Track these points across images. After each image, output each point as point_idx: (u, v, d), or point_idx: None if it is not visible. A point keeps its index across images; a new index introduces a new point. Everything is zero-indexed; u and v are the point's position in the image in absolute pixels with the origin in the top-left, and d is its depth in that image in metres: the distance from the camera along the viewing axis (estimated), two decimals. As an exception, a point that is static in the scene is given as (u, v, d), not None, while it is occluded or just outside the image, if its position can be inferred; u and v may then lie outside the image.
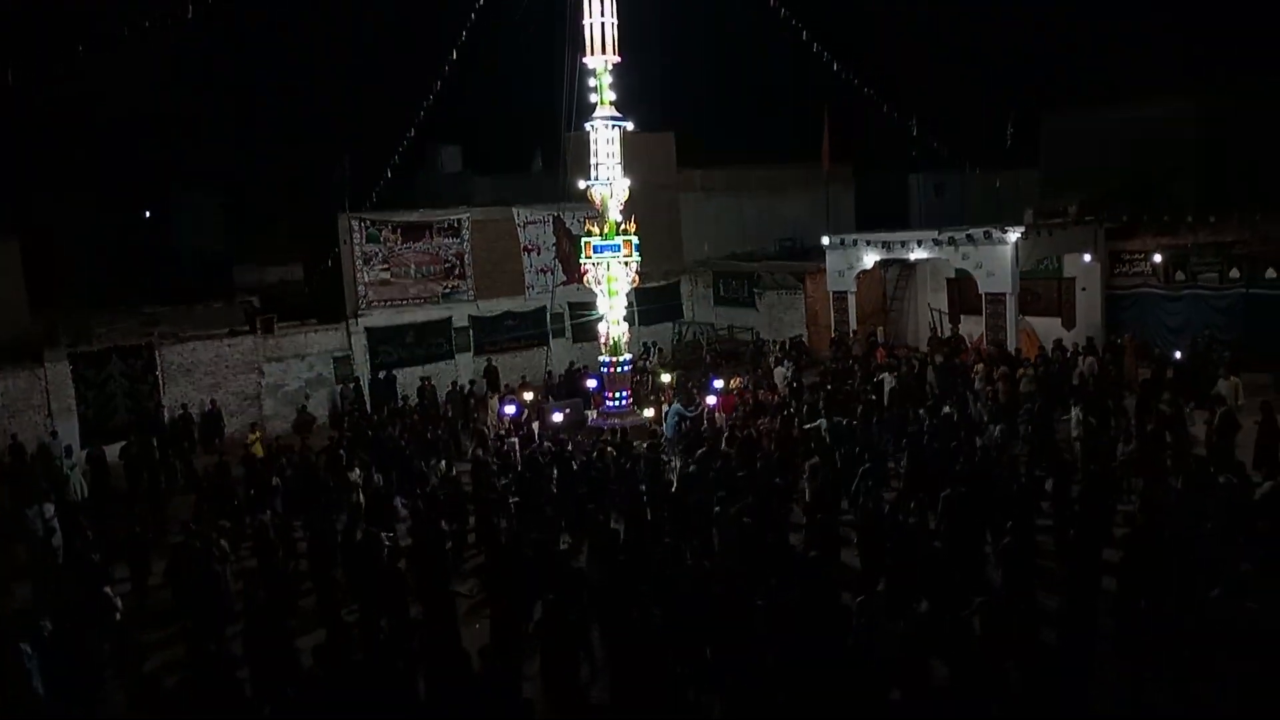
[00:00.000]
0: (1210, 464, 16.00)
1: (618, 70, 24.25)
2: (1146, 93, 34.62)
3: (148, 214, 43.49)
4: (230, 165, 45.46)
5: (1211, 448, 17.76)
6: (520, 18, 26.34)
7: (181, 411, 27.03)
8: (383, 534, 15.89)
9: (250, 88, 43.86)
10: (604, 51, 23.76)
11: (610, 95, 24.21)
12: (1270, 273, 26.07)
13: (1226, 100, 32.70)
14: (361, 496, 18.78)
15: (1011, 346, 28.15)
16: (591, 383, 27.11)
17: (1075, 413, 19.53)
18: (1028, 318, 29.88)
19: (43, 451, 23.85)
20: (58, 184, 37.90)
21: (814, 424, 21.22)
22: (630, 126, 24.97)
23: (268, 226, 41.60)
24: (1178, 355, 25.23)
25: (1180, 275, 28.13)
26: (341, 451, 21.56)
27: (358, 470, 19.65)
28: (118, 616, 13.41)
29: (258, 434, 24.75)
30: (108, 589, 13.75)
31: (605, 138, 24.38)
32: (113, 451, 23.86)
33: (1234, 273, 26.84)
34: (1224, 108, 32.63)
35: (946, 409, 21.41)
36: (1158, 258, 28.54)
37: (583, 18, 23.61)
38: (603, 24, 23.57)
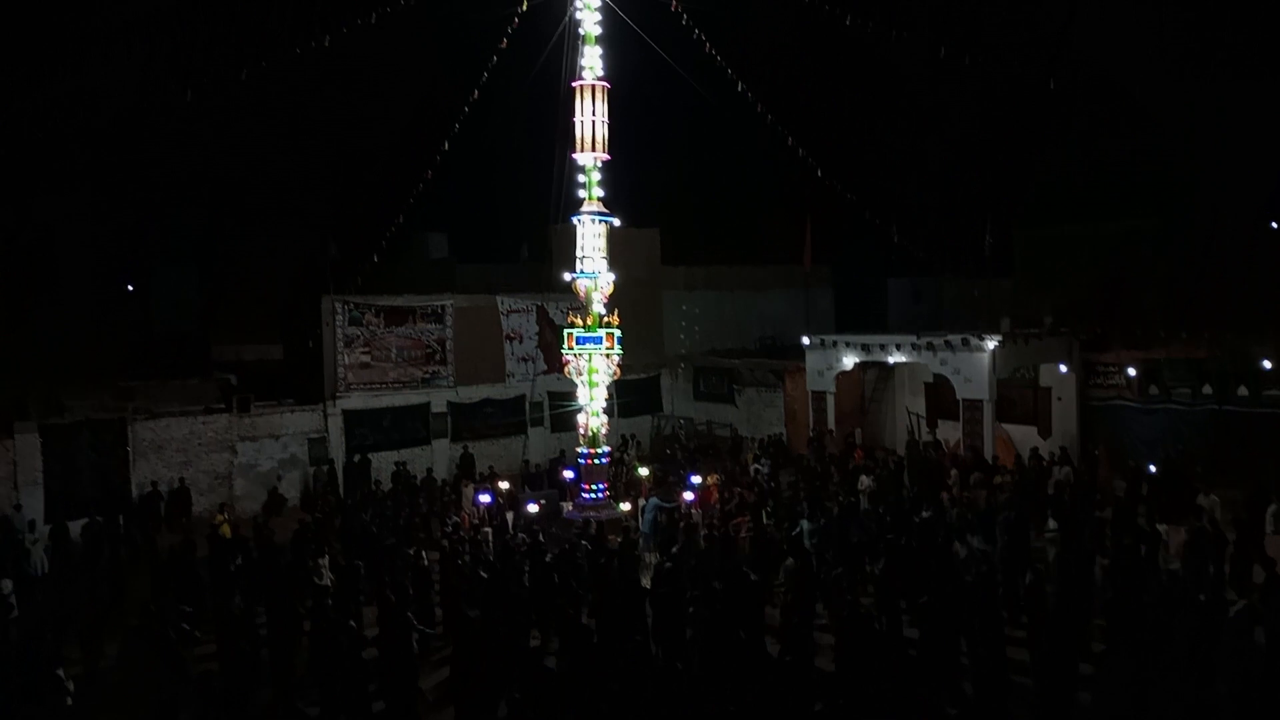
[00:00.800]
0: (1186, 581, 15.98)
1: (607, 167, 24.70)
2: (1116, 208, 35.60)
3: (130, 288, 43.36)
4: (213, 241, 45.64)
5: (1187, 564, 17.75)
6: (513, 111, 27.03)
7: (150, 489, 26.59)
8: (348, 622, 15.53)
9: (238, 165, 44.22)
10: (594, 149, 24.24)
11: (598, 191, 24.62)
12: (1242, 390, 26.43)
13: (1193, 217, 33.62)
14: (329, 582, 18.41)
15: (989, 453, 28.28)
16: (568, 474, 26.93)
17: (1051, 523, 19.54)
18: (1005, 425, 30.09)
19: (4, 524, 23.32)
20: (38, 255, 37.75)
21: (794, 529, 21.03)
22: (617, 222, 25.36)
23: (248, 305, 41.60)
24: (1152, 468, 25.38)
25: (1154, 389, 28.48)
26: (310, 536, 21.21)
27: (326, 555, 19.30)
28: (69, 701, 12.96)
29: (226, 515, 24.34)
30: (59, 671, 13.32)
31: (592, 232, 24.72)
32: (76, 527, 23.36)
33: (1206, 389, 27.20)
34: (1190, 224, 33.54)
35: (924, 513, 21.37)
36: (1131, 371, 28.94)
37: (574, 115, 24.12)
38: (594, 122, 24.08)
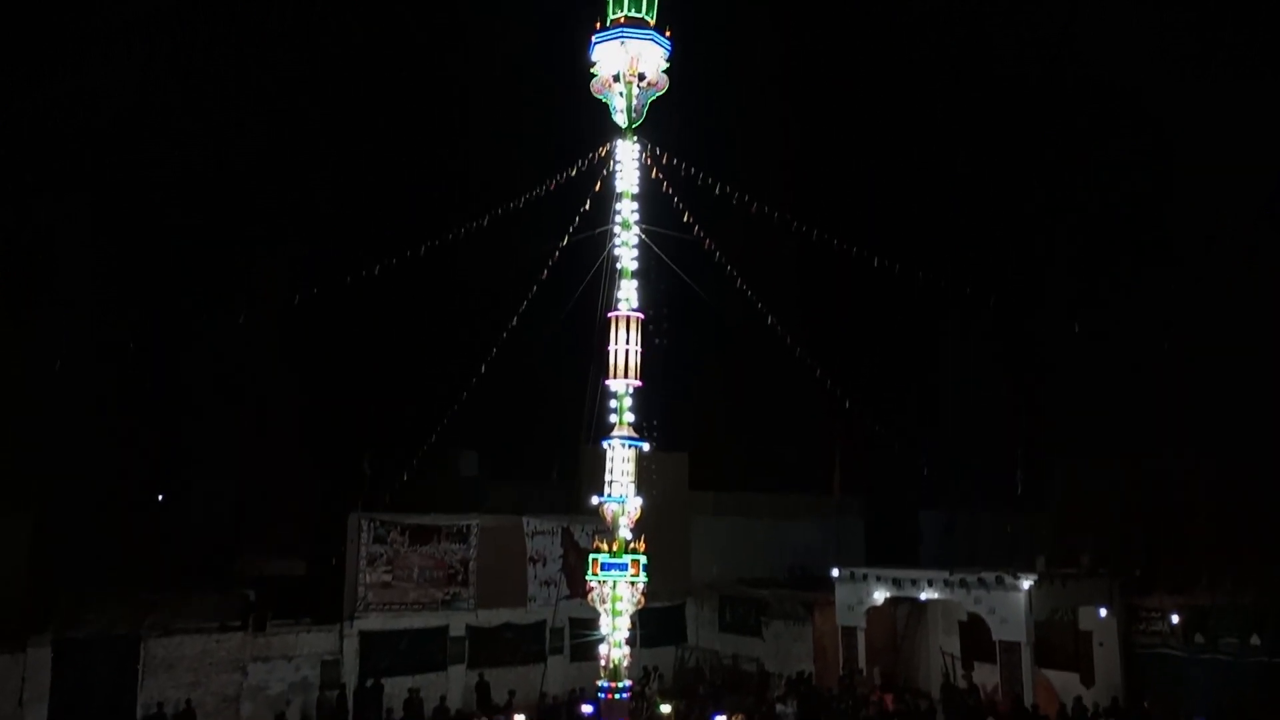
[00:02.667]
0: None
1: (638, 393, 25.09)
2: (1161, 444, 35.21)
3: (160, 498, 43.60)
4: (246, 453, 46.00)
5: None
6: (550, 335, 27.76)
7: (155, 710, 25.74)
8: None
9: (274, 385, 45.17)
10: (626, 375, 24.70)
11: (629, 417, 24.89)
12: (1294, 641, 25.27)
13: (1243, 455, 33.11)
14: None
15: (1029, 700, 26.90)
16: (587, 708, 25.81)
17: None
18: (1045, 670, 28.75)
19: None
20: (72, 465, 38.02)
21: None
22: (646, 447, 25.46)
23: (276, 518, 41.52)
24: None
25: (1200, 638, 27.29)
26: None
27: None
28: None
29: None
30: None
31: (621, 456, 24.80)
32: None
33: (1255, 639, 26.03)
34: (1241, 463, 32.99)
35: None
36: (1175, 617, 27.85)
37: (609, 344, 24.76)
38: (627, 351, 24.67)
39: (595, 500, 25.21)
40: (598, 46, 24.85)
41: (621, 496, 24.61)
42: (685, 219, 25.69)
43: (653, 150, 25.31)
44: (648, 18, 24.74)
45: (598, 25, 24.83)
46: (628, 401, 24.84)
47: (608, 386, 24.89)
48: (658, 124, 25.57)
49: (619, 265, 25.10)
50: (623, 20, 24.61)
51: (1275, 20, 31.74)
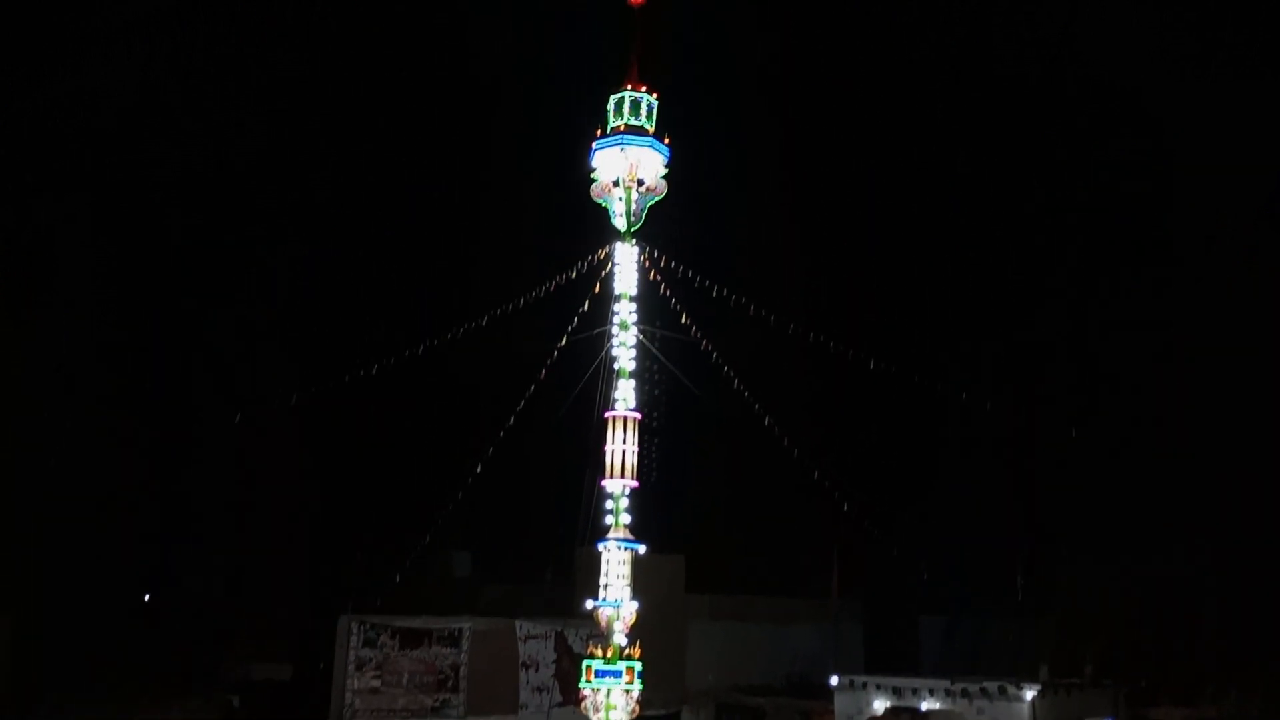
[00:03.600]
0: None
1: (634, 493, 24.89)
2: (1164, 550, 34.78)
3: (146, 597, 42.81)
4: (235, 552, 45.25)
5: None
6: (546, 435, 27.69)
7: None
8: None
9: (268, 479, 44.61)
10: (623, 476, 24.54)
11: (625, 518, 24.64)
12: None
13: (1248, 564, 32.69)
14: None
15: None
16: (579, 822, 24.92)
17: None
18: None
19: None
20: (58, 562, 37.18)
21: None
22: (642, 550, 25.14)
23: (264, 620, 40.63)
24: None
25: (1209, 750, 26.60)
26: None
27: None
28: None
29: None
30: None
31: (617, 559, 24.46)
32: None
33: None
34: (1246, 571, 32.56)
35: None
36: (1183, 729, 27.19)
37: (605, 444, 24.67)
38: (624, 451, 24.55)
39: (590, 604, 24.78)
40: (598, 153, 25.38)
41: (617, 601, 24.18)
42: (683, 320, 25.89)
43: (651, 253, 25.69)
44: (647, 125, 25.34)
45: (598, 132, 25.44)
46: (624, 502, 24.60)
47: (604, 487, 24.74)
48: (656, 227, 26.07)
49: (616, 366, 25.16)
50: (623, 128, 25.19)
51: (1275, 20, 32.51)
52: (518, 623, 33.65)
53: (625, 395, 24.92)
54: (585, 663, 24.72)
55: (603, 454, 24.72)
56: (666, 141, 25.48)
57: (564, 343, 25.78)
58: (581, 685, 24.44)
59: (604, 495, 24.76)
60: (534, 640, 33.72)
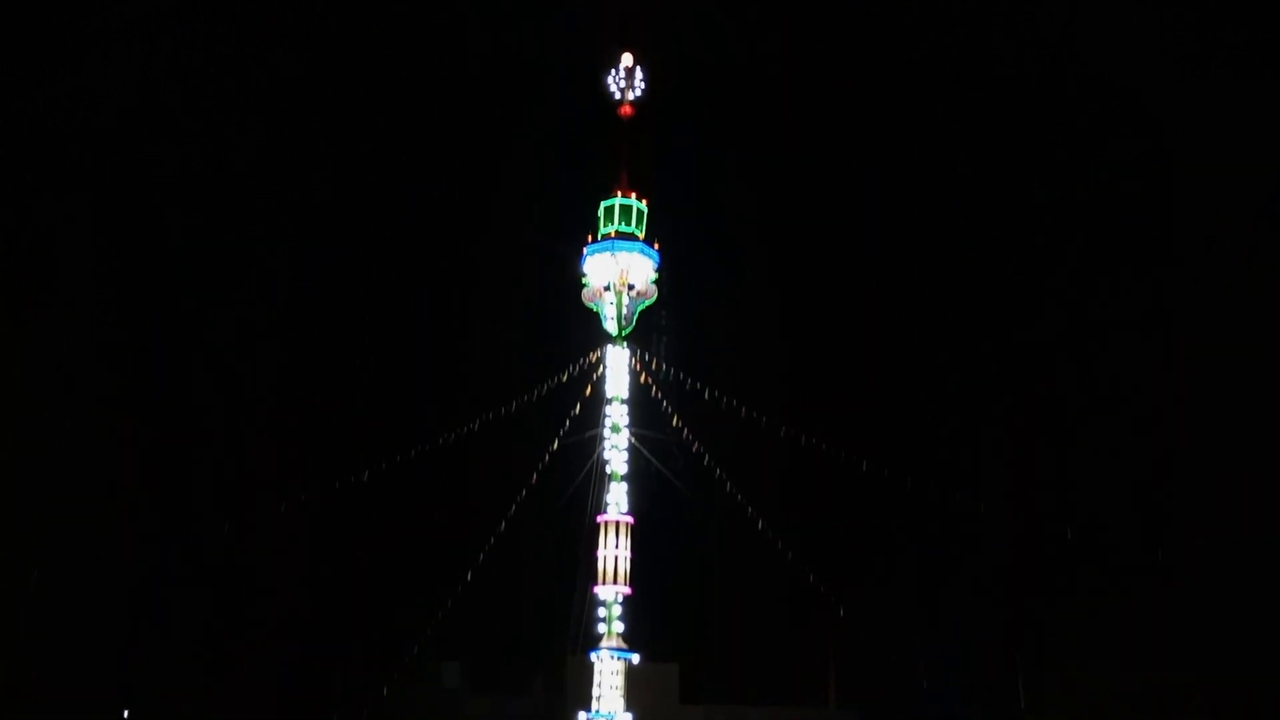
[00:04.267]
0: None
1: (627, 600, 24.53)
2: (1159, 658, 34.14)
3: (125, 714, 41.27)
4: (215, 661, 43.87)
5: None
6: (537, 541, 27.35)
7: None
8: None
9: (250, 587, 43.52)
10: (615, 582, 24.25)
11: (618, 626, 24.25)
12: None
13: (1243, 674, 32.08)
14: None
15: None
16: None
17: None
18: None
19: None
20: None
21: None
22: (635, 659, 24.68)
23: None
24: None
25: None
26: None
27: None
28: None
29: None
30: None
31: (610, 669, 24.05)
32: None
33: None
34: (1241, 682, 31.93)
35: None
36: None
37: (597, 549, 24.43)
38: (616, 557, 24.31)
39: (583, 716, 24.25)
40: (589, 258, 25.82)
41: (610, 713, 23.67)
42: (675, 423, 25.89)
43: (642, 356, 25.87)
44: (637, 231, 25.82)
45: (589, 238, 25.91)
46: (617, 610, 24.28)
47: (596, 594, 24.41)
48: (648, 330, 26.32)
49: (609, 469, 25.12)
50: (613, 234, 25.68)
51: (1276, 20, 31.79)
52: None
53: (618, 499, 24.79)
54: (577, 782, 24.07)
55: (595, 559, 24.46)
56: (657, 247, 25.95)
57: (555, 446, 25.76)
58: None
59: (596, 602, 24.44)
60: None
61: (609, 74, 26.22)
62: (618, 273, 25.67)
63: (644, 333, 26.25)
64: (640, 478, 25.66)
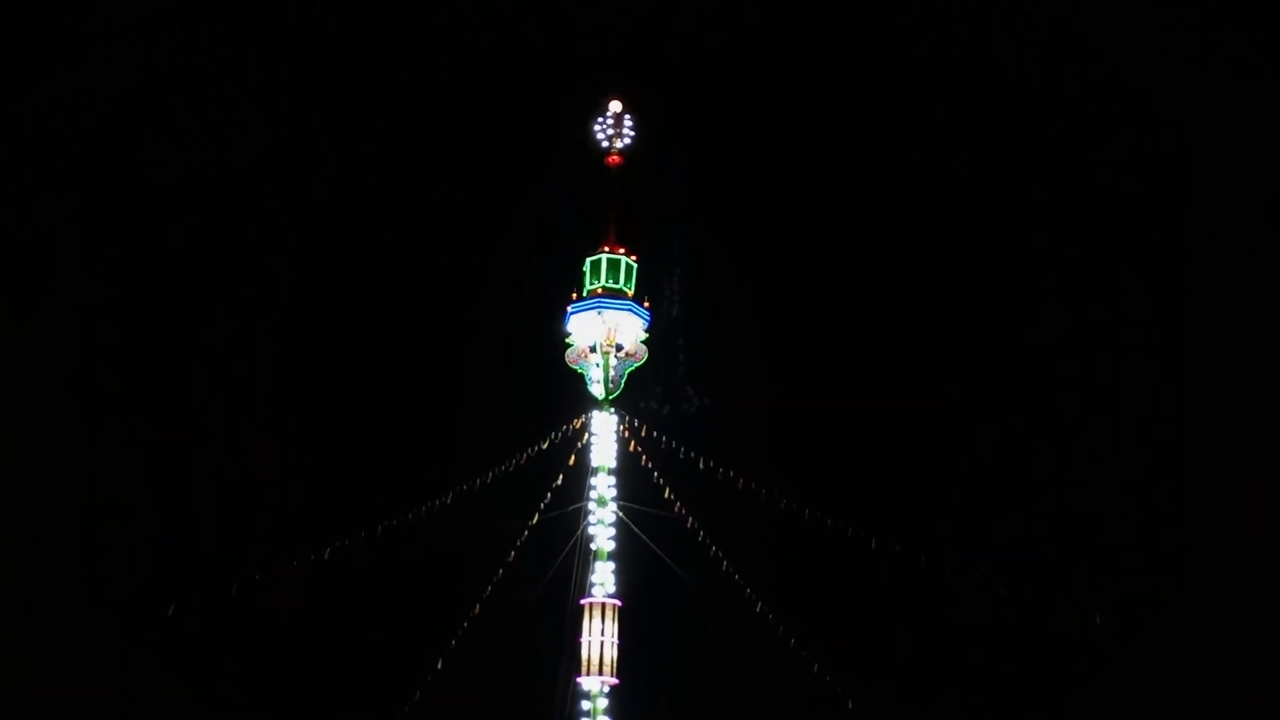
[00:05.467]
0: None
1: (614, 692, 22.46)
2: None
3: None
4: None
5: None
6: (519, 625, 25.04)
7: None
8: None
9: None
10: (601, 672, 22.33)
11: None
12: None
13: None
14: None
15: None
16: None
17: None
18: None
19: None
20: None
21: None
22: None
23: None
24: None
25: None
26: None
27: None
28: None
29: None
30: None
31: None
32: None
33: None
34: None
35: None
36: None
37: (581, 635, 22.35)
38: (602, 643, 22.31)
39: None
40: (573, 317, 24.03)
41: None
42: (667, 495, 23.81)
43: (631, 422, 23.92)
44: (626, 288, 24.09)
45: (574, 295, 24.16)
46: (602, 703, 21.98)
47: (579, 685, 22.13)
48: (636, 394, 24.40)
49: (594, 546, 23.02)
50: (600, 291, 23.94)
51: (1275, 20, 31.31)
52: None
53: (603, 580, 22.67)
54: None
55: (579, 646, 22.30)
56: (647, 305, 24.20)
57: (535, 521, 23.64)
58: None
59: (580, 694, 22.16)
60: None
61: (596, 121, 24.78)
62: (604, 333, 23.88)
63: (633, 396, 24.34)
64: (629, 556, 23.55)
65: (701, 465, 23.81)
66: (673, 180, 27.22)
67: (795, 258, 34.30)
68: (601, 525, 23.10)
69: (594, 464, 23.46)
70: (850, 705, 24.61)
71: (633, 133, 24.69)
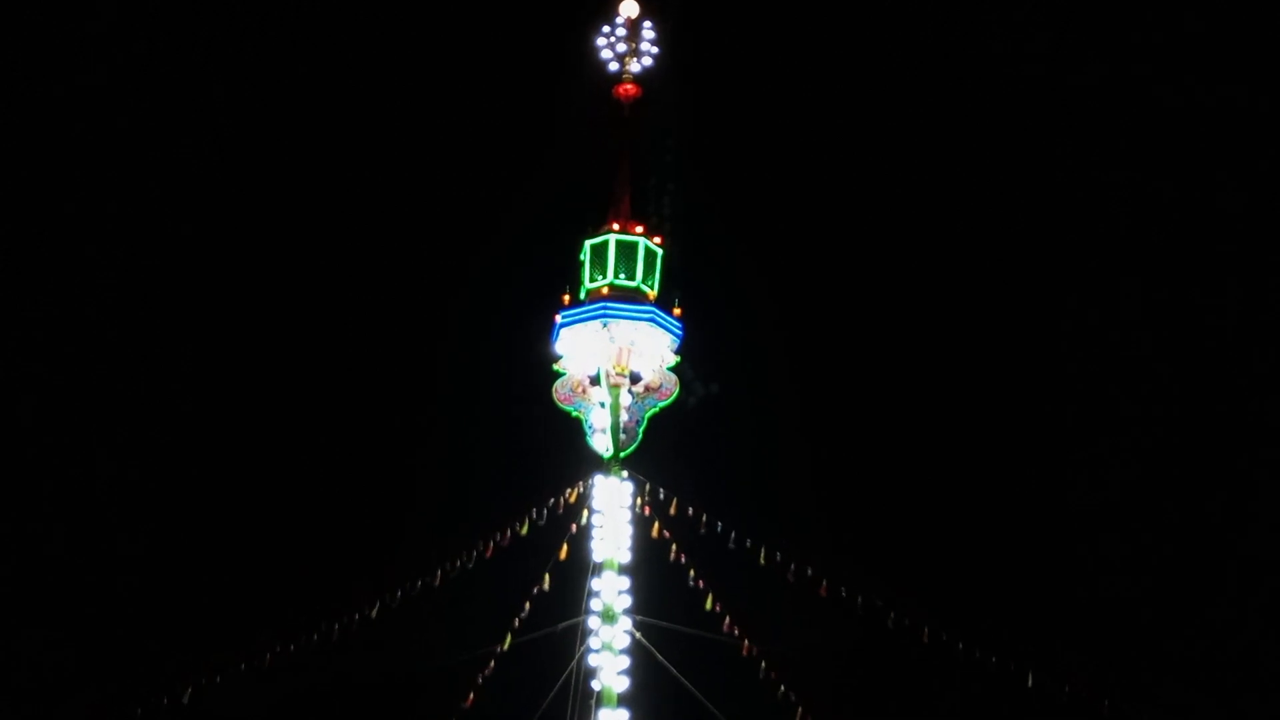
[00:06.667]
0: None
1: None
2: None
3: None
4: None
5: None
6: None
7: None
8: None
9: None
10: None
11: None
12: None
13: None
14: None
15: None
16: None
17: None
18: None
19: None
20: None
21: None
22: None
23: None
24: None
25: None
26: None
27: None
28: None
29: None
30: None
31: None
32: None
33: None
34: None
35: None
36: None
37: None
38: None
39: None
40: (565, 331, 16.13)
41: None
42: (710, 605, 15.77)
43: (654, 493, 15.87)
44: (645, 288, 16.15)
45: (565, 299, 16.27)
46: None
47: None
48: (661, 449, 16.30)
49: (596, 684, 15.36)
50: (605, 292, 16.03)
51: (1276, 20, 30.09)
52: None
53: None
54: None
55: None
56: (677, 314, 16.26)
57: (507, 645, 15.67)
58: None
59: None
60: None
61: (602, 33, 16.88)
62: (613, 355, 15.99)
63: (657, 452, 16.39)
64: (649, 698, 15.84)
65: (762, 559, 15.78)
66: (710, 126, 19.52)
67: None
68: (609, 652, 15.36)
69: (596, 558, 15.58)
70: None
71: (655, 49, 16.82)
